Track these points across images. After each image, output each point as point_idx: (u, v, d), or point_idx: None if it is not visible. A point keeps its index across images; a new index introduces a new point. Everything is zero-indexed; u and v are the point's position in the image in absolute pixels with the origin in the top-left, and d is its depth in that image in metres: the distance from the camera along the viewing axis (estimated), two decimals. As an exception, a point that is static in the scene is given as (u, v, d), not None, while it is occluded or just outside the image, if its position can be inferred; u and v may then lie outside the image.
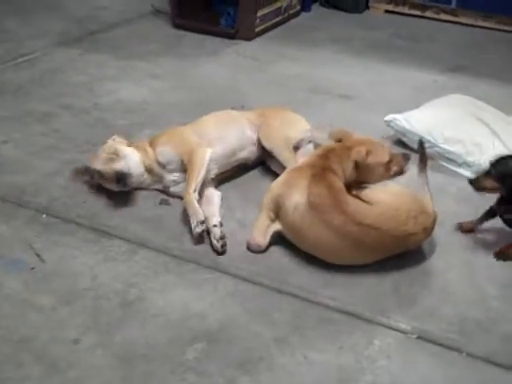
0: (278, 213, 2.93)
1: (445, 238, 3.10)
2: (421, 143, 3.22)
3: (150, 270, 2.84)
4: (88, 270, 2.83)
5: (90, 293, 2.70)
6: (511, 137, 3.65)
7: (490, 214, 3.07)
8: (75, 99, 4.42)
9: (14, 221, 3.12)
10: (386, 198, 2.90)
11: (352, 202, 2.83)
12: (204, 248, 2.97)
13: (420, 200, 2.92)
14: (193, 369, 2.36)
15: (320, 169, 2.91)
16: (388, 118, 3.90)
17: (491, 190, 2.92)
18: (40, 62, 5.03)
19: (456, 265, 2.95)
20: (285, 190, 2.91)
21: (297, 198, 2.85)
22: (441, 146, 3.71)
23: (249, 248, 2.96)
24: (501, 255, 2.98)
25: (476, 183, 2.94)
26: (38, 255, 2.90)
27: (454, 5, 6.31)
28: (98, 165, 3.27)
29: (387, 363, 2.43)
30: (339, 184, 2.90)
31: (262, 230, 2.95)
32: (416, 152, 3.77)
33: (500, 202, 2.98)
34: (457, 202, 3.37)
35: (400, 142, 3.90)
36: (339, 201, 2.79)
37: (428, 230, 2.89)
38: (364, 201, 2.89)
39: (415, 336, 2.55)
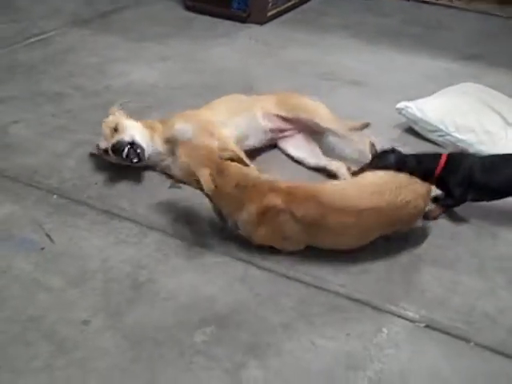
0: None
1: (454, 228, 3.10)
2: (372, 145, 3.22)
3: (160, 252, 2.85)
4: (98, 251, 2.84)
5: (100, 275, 2.71)
6: (524, 126, 3.64)
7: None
8: (87, 80, 4.42)
9: (24, 201, 3.13)
10: (373, 176, 2.93)
11: (335, 196, 2.79)
12: (215, 232, 2.98)
13: (406, 175, 2.91)
14: (201, 352, 2.37)
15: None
16: (400, 105, 3.88)
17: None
18: (52, 42, 5.02)
19: (465, 255, 2.95)
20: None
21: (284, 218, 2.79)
22: (453, 134, 3.70)
23: None
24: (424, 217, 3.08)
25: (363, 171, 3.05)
26: (48, 236, 2.91)
27: (467, -8, 6.27)
28: (103, 143, 3.26)
29: (395, 351, 2.43)
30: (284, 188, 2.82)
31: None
32: (428, 141, 3.79)
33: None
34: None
35: (411, 130, 3.89)
36: (322, 202, 2.75)
37: (425, 196, 2.90)
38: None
39: (423, 325, 2.55)
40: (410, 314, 2.59)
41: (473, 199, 3.11)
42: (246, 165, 2.93)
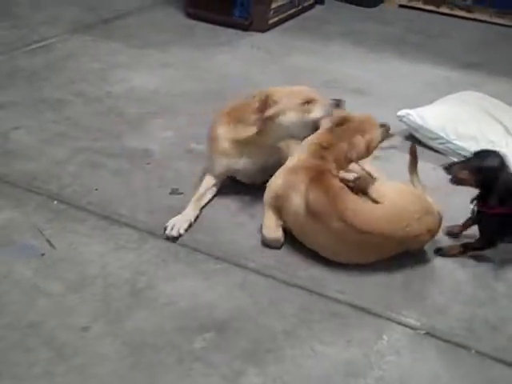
0: (280, 211, 2.92)
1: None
2: (412, 146, 3.12)
3: (160, 258, 2.84)
4: (98, 257, 2.83)
5: (100, 280, 2.70)
6: (524, 134, 3.65)
7: (471, 218, 3.00)
8: (88, 87, 4.42)
9: (25, 207, 3.12)
10: (392, 195, 2.85)
11: (351, 206, 2.76)
12: (213, 239, 2.97)
13: (426, 201, 2.87)
14: (200, 359, 2.36)
15: (316, 172, 2.85)
16: (401, 113, 3.89)
17: (465, 182, 2.84)
18: (53, 48, 5.03)
19: (466, 263, 2.94)
20: (283, 192, 2.88)
21: (296, 203, 2.82)
22: (453, 142, 3.70)
23: (267, 245, 2.94)
24: (440, 252, 2.96)
25: (450, 170, 2.85)
26: (48, 241, 2.90)
27: (469, 1, 6.28)
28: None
29: (396, 359, 2.42)
30: (337, 186, 2.84)
31: (272, 225, 2.94)
32: (429, 148, 3.80)
33: (474, 199, 2.91)
34: (468, 199, 3.34)
35: (412, 137, 3.89)
36: (337, 206, 2.75)
37: (433, 231, 2.86)
38: (369, 197, 2.86)
39: (424, 332, 2.54)
40: (411, 321, 2.58)
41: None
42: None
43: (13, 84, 4.40)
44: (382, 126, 3.06)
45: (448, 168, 2.86)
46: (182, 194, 3.29)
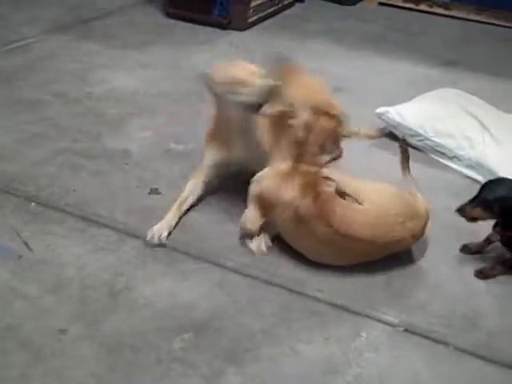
0: (265, 209, 2.90)
1: (436, 232, 3.09)
2: (403, 140, 3.15)
3: (139, 259, 2.83)
4: (76, 259, 2.81)
5: (78, 282, 2.68)
6: (501, 131, 3.67)
7: (488, 239, 2.95)
8: (67, 87, 4.39)
9: (2, 209, 3.10)
10: (376, 199, 2.84)
11: (339, 211, 2.75)
12: (193, 238, 2.96)
13: (411, 204, 2.85)
14: (179, 359, 2.35)
15: (307, 177, 2.85)
16: (380, 110, 3.90)
17: (482, 218, 2.77)
18: (32, 48, 5.00)
19: (447, 260, 2.95)
20: (273, 195, 2.86)
21: (285, 207, 2.81)
22: (432, 139, 3.71)
23: (245, 236, 2.94)
24: (481, 275, 2.87)
25: (463, 212, 2.77)
26: (25, 244, 2.88)
27: (447, -2, 6.32)
28: None
29: (374, 356, 2.43)
30: (326, 191, 2.83)
31: (254, 218, 2.92)
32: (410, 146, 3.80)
33: (496, 225, 2.85)
34: (448, 196, 3.36)
35: (391, 135, 3.90)
36: (325, 212, 2.74)
37: (417, 236, 2.85)
38: (354, 198, 2.85)
39: (403, 329, 2.55)
40: (390, 319, 2.59)
41: None
42: None
43: (-10, 85, 4.37)
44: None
45: (461, 210, 2.78)
46: (160, 193, 3.27)
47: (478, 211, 2.73)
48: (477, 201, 2.74)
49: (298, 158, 2.92)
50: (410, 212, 2.81)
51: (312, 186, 2.81)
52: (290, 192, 2.81)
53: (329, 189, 2.85)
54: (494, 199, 2.69)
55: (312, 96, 3.21)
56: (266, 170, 2.97)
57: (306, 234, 2.79)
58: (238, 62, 3.04)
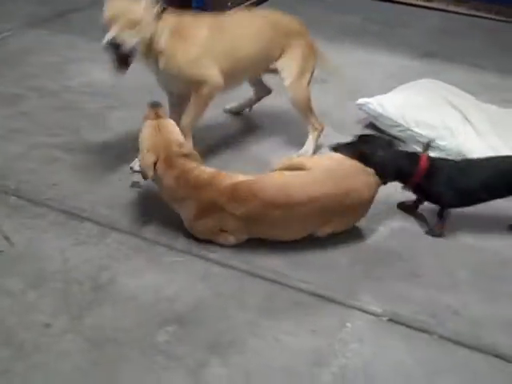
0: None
1: (417, 222, 3.12)
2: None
3: (122, 252, 2.82)
4: (58, 253, 2.79)
5: (61, 276, 2.66)
6: (482, 121, 3.68)
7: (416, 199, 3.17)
8: (44, 81, 4.35)
9: (-19, 203, 3.08)
10: (321, 163, 2.94)
11: (275, 190, 2.78)
12: (176, 231, 2.95)
13: (356, 163, 2.92)
14: (163, 352, 2.35)
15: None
16: (360, 101, 3.90)
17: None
18: (8, 43, 4.95)
19: (428, 249, 2.97)
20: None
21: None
22: (413, 129, 3.72)
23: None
24: (430, 232, 3.04)
25: (337, 150, 3.02)
26: (6, 238, 2.85)
27: (427, -11, 6.33)
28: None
29: (359, 346, 2.43)
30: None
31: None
32: (389, 136, 3.81)
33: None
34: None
35: (372, 126, 3.91)
36: (263, 198, 2.75)
37: (371, 187, 2.88)
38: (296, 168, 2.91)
39: (387, 318, 2.55)
40: (374, 309, 2.60)
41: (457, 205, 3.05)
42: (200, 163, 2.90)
43: (-34, 80, 4.32)
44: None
45: (335, 148, 3.03)
46: (142, 186, 3.25)
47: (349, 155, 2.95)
48: (350, 148, 3.00)
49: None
50: (356, 169, 2.88)
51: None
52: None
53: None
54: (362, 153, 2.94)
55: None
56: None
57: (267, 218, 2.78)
58: None
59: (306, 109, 3.61)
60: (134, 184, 3.28)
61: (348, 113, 3.98)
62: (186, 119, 3.30)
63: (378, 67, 4.90)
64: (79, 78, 4.44)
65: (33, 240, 2.87)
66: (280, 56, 3.53)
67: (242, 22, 3.51)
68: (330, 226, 2.87)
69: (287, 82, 3.53)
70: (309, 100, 3.61)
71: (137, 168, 3.29)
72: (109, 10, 3.09)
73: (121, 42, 3.05)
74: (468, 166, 3.04)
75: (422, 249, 2.96)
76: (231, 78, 3.36)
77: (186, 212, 2.85)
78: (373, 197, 2.91)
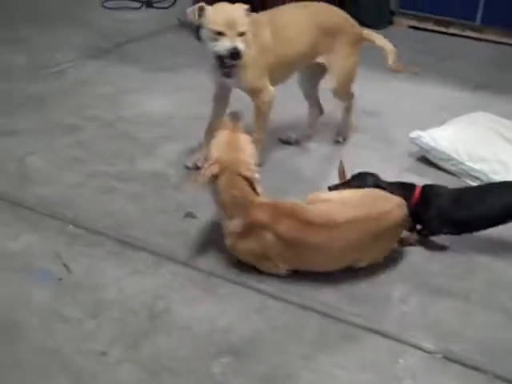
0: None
1: (469, 258, 3.10)
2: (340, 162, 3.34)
3: (176, 283, 2.86)
4: (114, 281, 2.85)
5: (117, 305, 2.72)
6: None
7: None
8: (101, 111, 4.46)
9: (42, 232, 3.16)
10: (350, 192, 3.04)
11: (316, 212, 2.85)
12: (231, 263, 2.98)
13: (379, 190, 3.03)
14: (219, 383, 2.37)
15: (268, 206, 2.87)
16: (413, 134, 3.91)
17: None
18: (67, 73, 5.09)
19: (480, 286, 2.94)
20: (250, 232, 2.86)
21: (268, 239, 2.83)
22: (466, 163, 3.71)
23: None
24: (400, 244, 3.11)
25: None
26: (65, 266, 2.93)
27: (478, 21, 6.31)
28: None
29: (411, 383, 2.42)
30: (289, 204, 2.88)
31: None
32: (442, 170, 3.80)
33: None
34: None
35: (424, 159, 3.91)
36: (304, 220, 2.80)
37: (402, 207, 2.94)
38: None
39: (440, 356, 2.54)
40: (427, 345, 2.58)
41: (447, 232, 3.13)
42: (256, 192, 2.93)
43: (27, 110, 4.45)
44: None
45: (332, 189, 3.19)
46: (196, 217, 3.31)
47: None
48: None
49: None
50: (382, 193, 3.01)
51: (277, 209, 2.85)
52: (265, 225, 2.83)
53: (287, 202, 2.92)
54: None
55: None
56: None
57: (305, 250, 2.82)
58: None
59: (347, 97, 4.04)
60: (188, 214, 3.33)
61: (400, 146, 3.99)
62: (258, 135, 3.54)
63: (428, 99, 4.90)
64: (133, 108, 4.54)
65: (90, 268, 2.94)
66: (327, 51, 3.77)
67: (293, 18, 3.70)
68: (369, 253, 2.90)
69: (331, 85, 3.87)
70: (351, 87, 4.02)
71: (189, 165, 3.67)
72: (222, 18, 3.30)
73: (240, 50, 3.29)
74: (462, 194, 3.15)
75: (475, 285, 2.94)
76: (278, 75, 3.64)
77: (231, 229, 2.88)
78: (404, 218, 2.95)
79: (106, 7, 6.68)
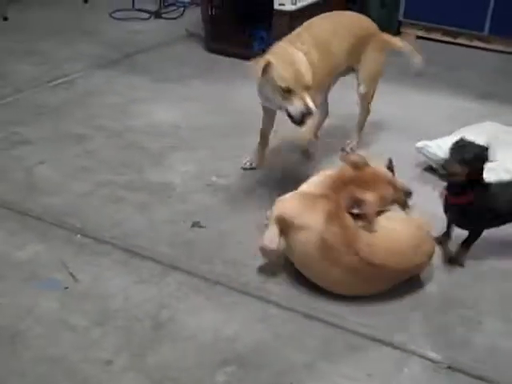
0: (285, 232, 2.89)
1: (478, 266, 3.09)
2: (389, 161, 3.20)
3: (182, 292, 2.87)
4: (120, 290, 2.87)
5: (122, 314, 2.73)
6: (543, 165, 3.64)
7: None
8: (109, 121, 4.49)
9: (49, 241, 3.18)
10: (391, 226, 2.88)
11: (365, 239, 2.78)
12: (235, 272, 3.00)
13: (421, 227, 2.92)
14: (223, 392, 2.38)
15: (335, 205, 2.83)
16: (419, 144, 3.91)
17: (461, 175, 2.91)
18: (76, 84, 5.13)
19: (488, 294, 2.94)
20: (296, 218, 2.85)
21: (309, 232, 2.81)
22: (472, 173, 3.70)
23: (264, 256, 2.98)
24: (450, 262, 3.10)
25: (446, 169, 2.97)
26: (72, 275, 2.95)
27: (486, 31, 6.30)
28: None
29: (417, 392, 2.43)
30: (352, 223, 2.82)
31: (273, 237, 2.90)
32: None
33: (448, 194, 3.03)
34: (489, 229, 3.36)
35: (431, 169, 3.91)
36: (352, 241, 2.76)
37: (432, 256, 2.94)
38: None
39: (446, 365, 2.54)
40: (432, 355, 2.58)
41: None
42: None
43: (37, 119, 4.48)
44: (406, 193, 3.04)
45: (444, 167, 2.98)
46: (203, 227, 3.32)
47: (457, 167, 2.89)
48: (455, 159, 2.92)
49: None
50: (422, 235, 2.89)
51: (338, 215, 2.81)
52: (315, 216, 2.81)
53: (352, 220, 2.85)
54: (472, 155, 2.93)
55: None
56: (289, 194, 3.01)
57: (331, 263, 2.78)
58: None
59: (369, 107, 4.16)
60: (195, 224, 3.35)
61: (407, 156, 3.99)
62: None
63: (436, 109, 4.90)
64: (141, 118, 4.56)
65: (96, 277, 2.95)
66: (359, 58, 3.89)
67: (332, 31, 3.70)
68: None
69: (362, 89, 4.05)
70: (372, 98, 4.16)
71: (247, 166, 3.85)
72: (289, 74, 3.19)
73: (313, 111, 3.21)
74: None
75: (482, 294, 2.93)
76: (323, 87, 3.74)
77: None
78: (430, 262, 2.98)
79: (114, 18, 6.72)
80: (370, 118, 4.48)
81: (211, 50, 5.90)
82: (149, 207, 3.49)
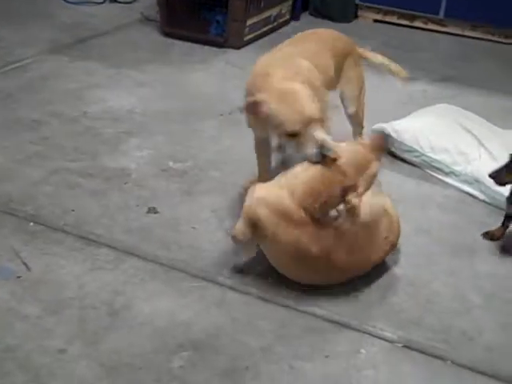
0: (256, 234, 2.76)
1: (430, 247, 3.12)
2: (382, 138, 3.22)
3: (137, 278, 2.84)
4: (75, 278, 2.82)
5: (77, 302, 2.69)
6: (497, 146, 3.68)
7: (504, 223, 3.16)
8: (64, 107, 4.41)
9: (1, 229, 3.11)
10: (369, 218, 2.80)
11: (341, 249, 2.71)
12: (191, 257, 2.98)
13: (390, 214, 2.87)
14: (178, 377, 2.36)
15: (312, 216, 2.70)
16: (375, 127, 3.93)
17: None
18: (29, 69, 5.01)
19: (441, 274, 2.97)
20: (268, 229, 2.69)
21: (280, 246, 2.72)
22: (427, 154, 3.73)
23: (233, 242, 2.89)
24: (487, 236, 3.17)
25: (497, 178, 3.01)
26: (24, 264, 2.89)
27: (442, 15, 6.35)
28: None
29: (373, 373, 2.43)
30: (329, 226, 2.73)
31: (244, 231, 2.77)
32: (404, 161, 3.83)
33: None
34: (443, 211, 3.40)
35: (388, 152, 3.92)
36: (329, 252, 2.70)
37: (394, 246, 2.93)
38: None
39: (401, 345, 2.56)
40: (388, 335, 2.60)
41: None
42: None
43: (-12, 106, 4.39)
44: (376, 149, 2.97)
45: (494, 176, 3.02)
46: (158, 212, 3.29)
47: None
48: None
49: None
50: (389, 224, 2.86)
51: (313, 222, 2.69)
52: (289, 231, 2.68)
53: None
54: None
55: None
56: (270, 185, 2.81)
57: (302, 266, 2.76)
58: None
59: (362, 124, 3.77)
60: (151, 210, 3.31)
61: (364, 139, 3.99)
62: None
63: (393, 92, 4.90)
64: (97, 104, 4.49)
65: (50, 266, 2.90)
66: (340, 75, 3.55)
67: (318, 49, 3.37)
68: None
69: (351, 109, 3.71)
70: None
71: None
72: (305, 112, 2.74)
73: (330, 142, 2.77)
74: None
75: (435, 274, 2.97)
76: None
77: None
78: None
79: (68, 1, 6.58)
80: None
81: (167, 35, 5.83)
82: (104, 193, 3.44)
